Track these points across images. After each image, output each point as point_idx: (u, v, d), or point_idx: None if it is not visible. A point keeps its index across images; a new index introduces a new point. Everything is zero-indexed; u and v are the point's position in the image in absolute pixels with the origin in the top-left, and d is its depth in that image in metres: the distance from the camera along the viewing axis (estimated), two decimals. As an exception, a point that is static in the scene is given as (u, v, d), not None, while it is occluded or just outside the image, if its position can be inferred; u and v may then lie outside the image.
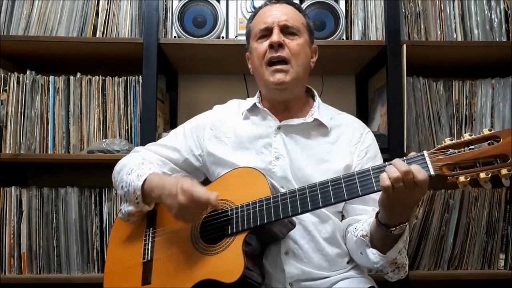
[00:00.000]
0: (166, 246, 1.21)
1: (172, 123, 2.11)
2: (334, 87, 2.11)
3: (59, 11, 1.83)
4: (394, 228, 1.06)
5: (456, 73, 2.02)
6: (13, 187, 1.76)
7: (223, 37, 1.83)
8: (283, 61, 1.26)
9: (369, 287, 1.22)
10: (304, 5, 1.80)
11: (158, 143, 1.43)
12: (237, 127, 1.34)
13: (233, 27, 1.85)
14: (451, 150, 0.98)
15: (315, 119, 1.30)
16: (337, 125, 1.33)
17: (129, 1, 1.84)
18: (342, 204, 1.27)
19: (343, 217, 1.30)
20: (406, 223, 1.07)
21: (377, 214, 1.10)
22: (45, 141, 1.78)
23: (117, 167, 1.36)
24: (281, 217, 1.10)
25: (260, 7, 1.38)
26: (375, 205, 1.15)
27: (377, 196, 1.06)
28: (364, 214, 1.24)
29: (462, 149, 0.97)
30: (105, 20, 1.83)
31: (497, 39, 1.84)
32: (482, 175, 0.93)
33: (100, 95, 1.81)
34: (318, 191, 1.08)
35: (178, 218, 1.15)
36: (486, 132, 0.96)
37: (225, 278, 1.07)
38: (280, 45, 1.25)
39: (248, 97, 1.47)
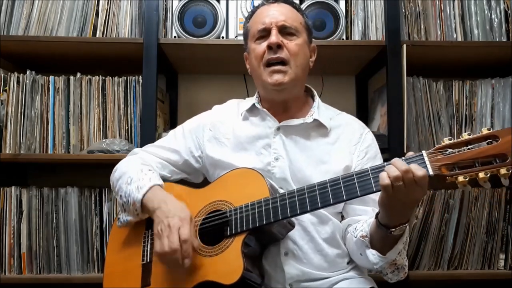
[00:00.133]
0: None
1: (172, 123, 2.11)
2: (334, 87, 2.11)
3: (59, 11, 1.83)
4: (394, 229, 1.05)
5: (456, 73, 2.02)
6: (13, 187, 1.76)
7: (223, 37, 1.83)
8: (282, 62, 1.25)
9: (369, 287, 1.22)
10: (304, 5, 1.80)
11: (156, 144, 1.42)
12: (236, 127, 1.33)
13: (233, 27, 1.85)
14: (450, 150, 0.97)
15: (315, 120, 1.29)
16: (337, 125, 1.33)
17: (129, 1, 1.84)
18: (341, 204, 1.27)
19: (342, 218, 1.30)
20: (406, 224, 1.07)
21: (377, 214, 1.10)
22: (45, 141, 1.78)
23: (115, 173, 1.34)
24: (280, 218, 1.10)
25: (258, 7, 1.36)
26: (374, 206, 1.15)
27: (377, 196, 1.06)
28: (363, 215, 1.23)
29: (461, 148, 0.97)
30: (105, 20, 1.83)
31: (497, 39, 1.84)
32: (481, 175, 0.93)
33: (100, 95, 1.81)
34: (317, 192, 1.08)
35: (155, 250, 1.13)
36: (485, 131, 0.96)
37: (224, 280, 1.07)
38: (278, 46, 1.24)
39: (248, 97, 1.47)
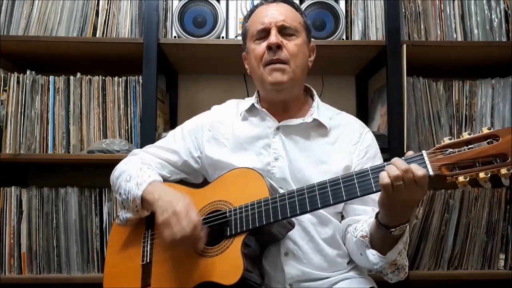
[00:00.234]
0: (165, 248, 1.21)
1: (172, 123, 2.11)
2: (334, 87, 2.11)
3: (59, 11, 1.83)
4: (394, 229, 1.05)
5: (456, 73, 2.02)
6: (13, 187, 1.76)
7: (223, 37, 1.83)
8: (282, 62, 1.25)
9: (369, 287, 1.22)
10: (304, 5, 1.80)
11: (156, 145, 1.42)
12: (235, 128, 1.33)
13: (233, 27, 1.85)
14: (450, 150, 0.97)
15: (314, 119, 1.29)
16: (337, 125, 1.33)
17: (129, 1, 1.84)
18: (341, 204, 1.26)
19: (342, 218, 1.29)
20: (406, 224, 1.07)
21: (376, 214, 1.10)
22: (45, 141, 1.78)
23: (115, 172, 1.34)
24: (280, 218, 1.10)
25: (256, 6, 1.35)
26: (374, 205, 1.15)
27: (377, 196, 1.05)
28: (363, 214, 1.23)
29: (461, 148, 0.96)
30: (105, 20, 1.83)
31: (497, 39, 1.84)
32: (482, 175, 0.93)
33: (100, 95, 1.81)
34: (317, 192, 1.08)
35: (166, 239, 1.13)
36: (485, 131, 0.95)
37: (224, 280, 1.07)
38: (278, 47, 1.24)
39: (248, 97, 1.47)
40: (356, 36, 1.85)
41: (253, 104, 1.34)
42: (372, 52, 1.85)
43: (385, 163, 1.03)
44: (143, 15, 1.77)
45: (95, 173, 1.76)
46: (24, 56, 1.91)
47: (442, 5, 1.87)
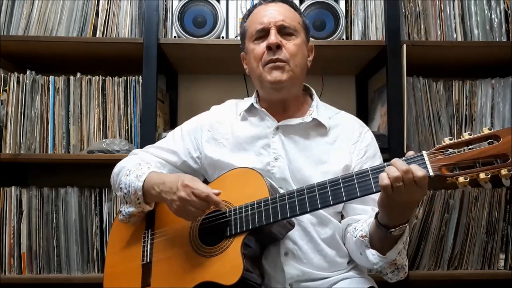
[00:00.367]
0: (165, 248, 1.21)
1: (172, 123, 2.11)
2: (334, 87, 2.11)
3: (59, 11, 1.83)
4: (393, 229, 1.05)
5: (456, 73, 2.02)
6: (13, 187, 1.76)
7: (223, 37, 1.83)
8: (281, 62, 1.24)
9: (369, 287, 1.21)
10: (304, 5, 1.80)
11: (155, 145, 1.42)
12: (235, 128, 1.33)
13: (233, 27, 1.85)
14: (450, 150, 0.97)
15: (314, 119, 1.29)
16: (336, 124, 1.33)
17: (129, 1, 1.84)
18: (341, 204, 1.26)
19: (342, 217, 1.29)
20: (406, 224, 1.07)
21: (376, 214, 1.10)
22: (45, 141, 1.78)
23: (115, 170, 1.35)
24: (280, 218, 1.09)
25: (255, 6, 1.35)
26: (374, 205, 1.15)
27: (377, 196, 1.05)
28: (363, 214, 1.23)
29: (462, 148, 0.96)
30: (105, 20, 1.83)
31: (497, 39, 1.84)
32: (482, 175, 0.92)
33: (100, 95, 1.81)
34: (317, 192, 1.08)
35: (178, 215, 1.15)
36: (485, 131, 0.95)
37: (224, 280, 1.07)
38: (278, 47, 1.24)
39: (248, 97, 1.47)
40: (356, 36, 1.85)
41: (252, 104, 1.34)
42: (372, 52, 1.85)
43: (385, 163, 1.03)
44: (143, 15, 1.77)
45: (95, 173, 1.76)
46: (24, 56, 1.91)
47: (442, 5, 1.87)
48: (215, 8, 1.81)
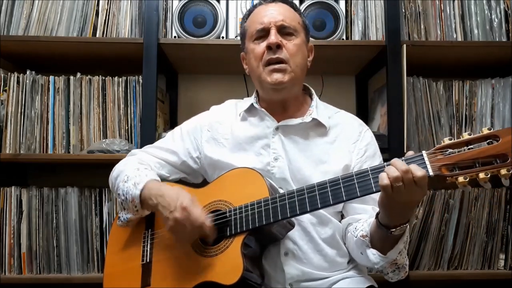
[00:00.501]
0: (165, 248, 1.21)
1: (172, 123, 2.11)
2: (334, 87, 2.11)
3: (59, 11, 1.83)
4: (394, 229, 1.05)
5: (456, 73, 2.02)
6: (13, 187, 1.76)
7: (223, 37, 1.83)
8: (281, 61, 1.25)
9: (369, 286, 1.21)
10: (304, 5, 1.80)
11: (155, 145, 1.42)
12: (234, 128, 1.33)
13: (233, 27, 1.85)
14: (450, 150, 0.97)
15: (313, 119, 1.29)
16: (336, 124, 1.33)
17: (129, 1, 1.84)
18: (341, 204, 1.26)
19: (342, 216, 1.29)
20: (407, 224, 1.07)
21: (377, 214, 1.10)
22: (45, 141, 1.78)
23: (113, 173, 1.35)
24: (280, 218, 1.10)
25: (255, 6, 1.35)
26: (374, 204, 1.15)
27: (377, 195, 1.05)
28: (363, 213, 1.23)
29: (461, 148, 0.96)
30: (105, 20, 1.83)
31: (497, 39, 1.84)
32: (482, 175, 0.93)
33: (100, 95, 1.81)
34: (317, 192, 1.08)
35: (170, 232, 1.15)
36: (485, 131, 0.95)
37: (224, 280, 1.07)
38: (278, 46, 1.24)
39: (248, 97, 1.47)
40: (356, 36, 1.85)
41: (252, 104, 1.34)
42: (372, 52, 1.85)
43: (384, 163, 1.03)
44: (143, 15, 1.77)
45: (95, 173, 1.76)
46: (24, 56, 1.91)
47: (442, 5, 1.87)
48: (215, 8, 1.81)
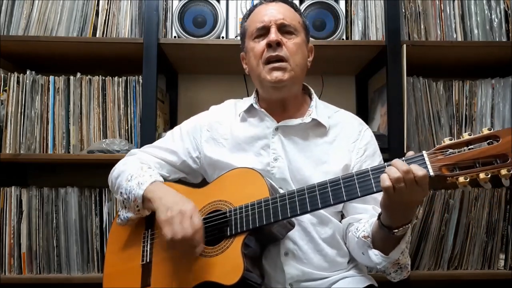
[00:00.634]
0: (165, 248, 1.21)
1: (172, 123, 2.11)
2: (334, 87, 2.11)
3: (59, 11, 1.83)
4: (396, 230, 1.05)
5: (456, 73, 2.02)
6: (13, 187, 1.76)
7: (223, 37, 1.83)
8: (281, 59, 1.25)
9: (368, 285, 1.21)
10: (304, 5, 1.80)
11: (154, 145, 1.42)
12: (234, 128, 1.33)
13: (233, 27, 1.85)
14: (451, 150, 0.97)
15: (313, 119, 1.29)
16: (335, 123, 1.33)
17: (129, 1, 1.84)
18: (341, 204, 1.26)
19: (342, 216, 1.30)
20: (409, 225, 1.07)
21: (379, 215, 1.10)
22: (45, 141, 1.78)
23: (113, 173, 1.35)
24: (280, 218, 1.10)
25: (255, 6, 1.35)
26: (375, 204, 1.16)
27: (377, 195, 1.05)
28: (364, 213, 1.23)
29: (462, 149, 0.96)
30: (105, 20, 1.83)
31: (497, 39, 1.84)
32: (482, 175, 0.93)
33: (100, 95, 1.81)
34: (317, 192, 1.08)
35: (165, 237, 1.13)
36: (485, 131, 0.95)
37: (224, 280, 1.07)
38: (278, 44, 1.24)
39: (248, 97, 1.47)
40: (356, 36, 1.85)
41: (251, 105, 1.34)
42: (372, 52, 1.85)
43: (385, 164, 1.03)
44: (143, 15, 1.77)
45: (95, 173, 1.75)
46: (24, 56, 1.90)
47: (442, 5, 1.87)
48: (215, 8, 1.81)
